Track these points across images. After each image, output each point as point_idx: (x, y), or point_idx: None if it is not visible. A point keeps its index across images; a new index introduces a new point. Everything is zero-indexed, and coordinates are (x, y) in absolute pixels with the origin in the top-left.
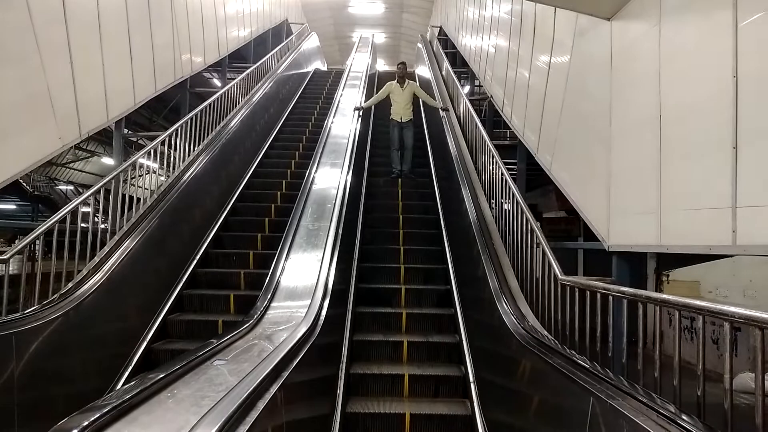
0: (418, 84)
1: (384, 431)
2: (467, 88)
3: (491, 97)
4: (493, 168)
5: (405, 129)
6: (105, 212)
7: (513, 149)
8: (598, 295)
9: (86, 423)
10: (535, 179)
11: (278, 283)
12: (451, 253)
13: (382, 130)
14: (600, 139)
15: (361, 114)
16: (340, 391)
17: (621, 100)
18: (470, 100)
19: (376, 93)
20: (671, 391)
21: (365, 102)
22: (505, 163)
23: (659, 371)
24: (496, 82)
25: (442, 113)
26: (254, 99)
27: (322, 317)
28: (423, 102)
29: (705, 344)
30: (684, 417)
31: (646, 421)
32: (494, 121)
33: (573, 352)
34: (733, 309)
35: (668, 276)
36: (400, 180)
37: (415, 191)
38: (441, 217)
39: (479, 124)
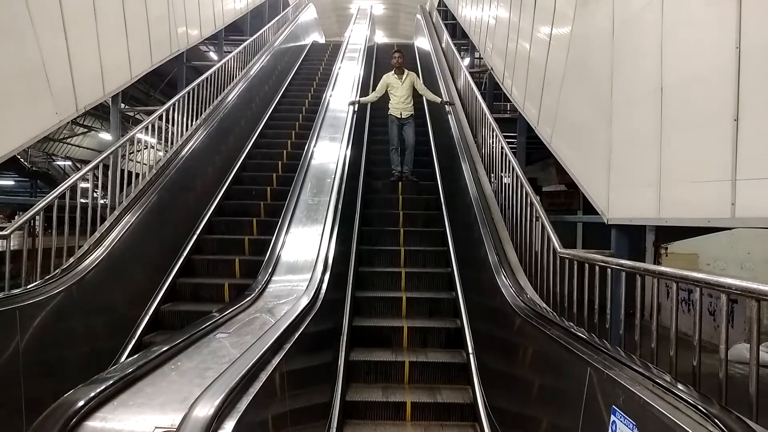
0: (419, 77)
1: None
2: (467, 61)
3: (491, 69)
4: (493, 142)
5: (405, 126)
6: (104, 188)
7: (513, 122)
8: (597, 267)
9: (92, 394)
10: (535, 152)
11: (279, 257)
12: (451, 230)
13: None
14: (601, 111)
15: (356, 109)
16: (342, 348)
17: (622, 73)
18: (470, 73)
19: (374, 70)
20: (668, 362)
21: (361, 97)
22: (505, 137)
23: (656, 342)
24: (497, 54)
25: (447, 108)
26: (251, 72)
27: (323, 290)
28: (423, 95)
29: (702, 316)
30: (679, 386)
31: (642, 390)
32: (494, 94)
33: (571, 324)
34: (730, 281)
35: (667, 249)
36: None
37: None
38: (440, 191)
39: (479, 97)
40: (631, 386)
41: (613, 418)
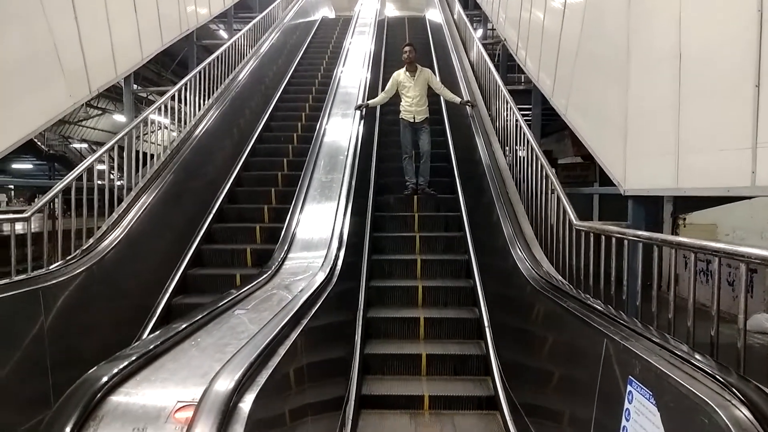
0: (435, 71)
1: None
2: (480, 32)
3: (505, 40)
4: (507, 114)
5: (420, 132)
6: (120, 169)
7: (527, 94)
8: (613, 239)
9: (116, 370)
10: (550, 124)
11: (294, 235)
12: (465, 202)
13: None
14: (617, 80)
15: (363, 114)
16: (359, 309)
17: (639, 40)
18: (483, 44)
19: (385, 44)
20: (686, 333)
21: (370, 99)
22: (519, 109)
23: (674, 313)
24: (510, 25)
25: (470, 111)
26: (262, 50)
27: (339, 267)
28: (441, 95)
29: (720, 286)
30: (697, 356)
31: (659, 361)
32: (508, 65)
33: (587, 295)
34: (749, 250)
35: (685, 220)
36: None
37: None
38: (454, 164)
39: (492, 69)
40: (648, 357)
41: (629, 388)
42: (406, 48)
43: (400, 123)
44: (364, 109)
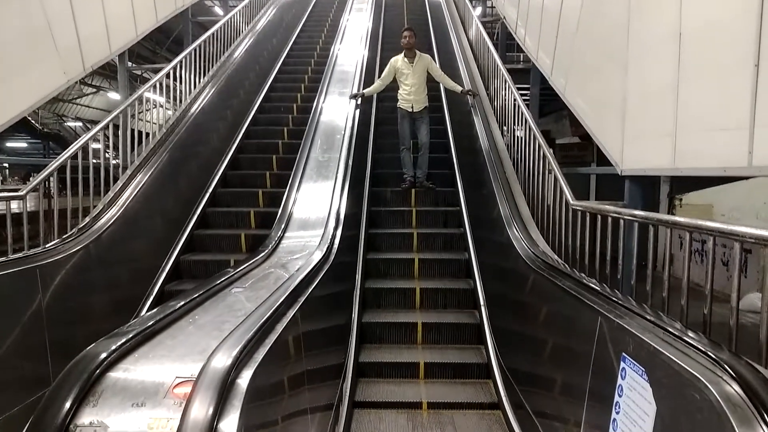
0: (435, 59)
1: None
2: (479, 10)
3: (504, 18)
4: (505, 93)
5: (418, 121)
6: (115, 148)
7: (526, 73)
8: (609, 218)
9: (114, 347)
10: (548, 104)
11: (290, 214)
12: (462, 182)
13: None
14: (616, 60)
15: (359, 103)
16: (356, 304)
17: (639, 20)
18: (482, 22)
19: (383, 21)
20: (681, 312)
21: (365, 88)
22: (518, 88)
23: (668, 292)
24: (509, 3)
25: (471, 101)
26: (258, 27)
27: (336, 245)
28: (441, 83)
29: (714, 265)
30: (690, 334)
31: (652, 338)
32: (507, 44)
33: (582, 275)
34: (743, 229)
35: (681, 200)
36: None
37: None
38: (452, 144)
39: (491, 48)
40: (641, 334)
41: (622, 365)
42: (405, 33)
43: (397, 112)
44: (360, 99)
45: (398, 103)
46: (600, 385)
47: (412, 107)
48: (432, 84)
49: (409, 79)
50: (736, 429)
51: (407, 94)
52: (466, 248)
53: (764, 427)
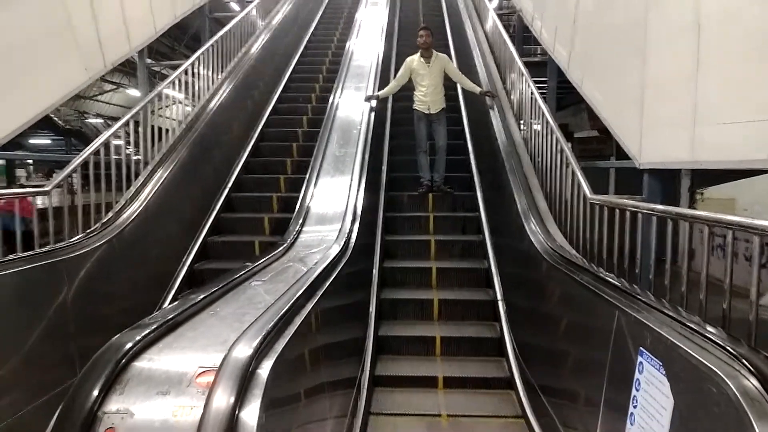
0: (452, 56)
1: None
2: (495, 2)
3: (520, 11)
4: (522, 87)
5: (435, 124)
6: (136, 144)
7: (543, 66)
8: (627, 213)
9: (138, 338)
10: (566, 97)
11: (308, 209)
12: (481, 185)
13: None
14: (634, 51)
15: (373, 106)
16: (373, 290)
17: (657, 10)
18: (498, 14)
19: (399, 14)
20: (699, 307)
21: (380, 90)
22: (535, 82)
23: (686, 287)
24: None
25: (490, 102)
26: (273, 23)
27: (353, 240)
28: (459, 84)
29: (733, 260)
30: (708, 328)
31: (670, 332)
32: (524, 37)
33: (600, 269)
34: (764, 223)
35: (702, 194)
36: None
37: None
38: (469, 146)
39: (507, 41)
40: (659, 328)
41: (640, 359)
42: (422, 32)
43: (413, 114)
44: (375, 101)
45: (414, 105)
46: (618, 380)
47: (429, 109)
48: (448, 83)
49: (426, 80)
50: (754, 423)
51: (423, 96)
52: (486, 256)
53: None
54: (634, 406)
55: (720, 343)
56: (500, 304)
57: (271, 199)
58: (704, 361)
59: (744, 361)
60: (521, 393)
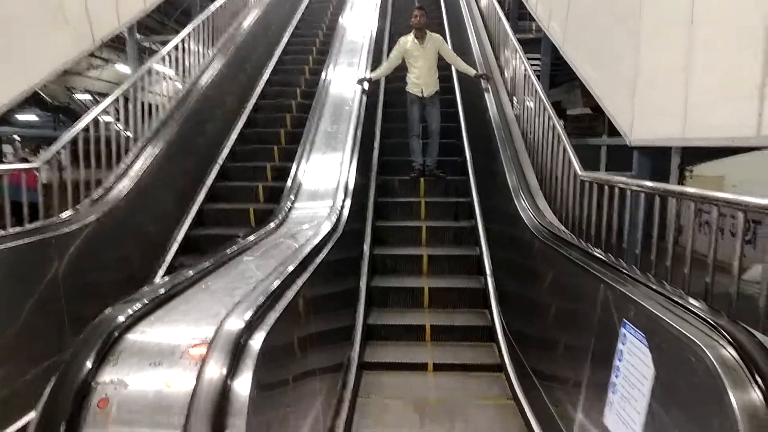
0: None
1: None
2: None
3: None
4: (516, 64)
5: (429, 107)
6: (126, 121)
7: (537, 43)
8: (617, 189)
9: (130, 311)
10: (559, 75)
11: (300, 185)
12: (471, 154)
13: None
14: (627, 28)
15: (365, 88)
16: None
17: None
18: None
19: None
20: (689, 283)
21: (372, 72)
22: (529, 58)
23: (671, 262)
24: None
25: (484, 85)
26: None
27: (345, 215)
28: (453, 66)
29: (717, 234)
30: (690, 300)
31: (653, 305)
32: (519, 13)
33: (588, 244)
34: (747, 199)
35: (692, 171)
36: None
37: None
38: (463, 130)
39: (502, 16)
40: (643, 301)
41: (623, 330)
42: (416, 11)
43: (406, 97)
44: (367, 84)
45: (407, 87)
46: (601, 351)
47: (422, 92)
48: (442, 63)
49: (419, 61)
50: (730, 391)
51: (416, 78)
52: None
53: (756, 388)
54: (616, 376)
55: (701, 315)
56: (492, 292)
57: (266, 168)
58: (685, 332)
59: (723, 332)
60: (512, 377)
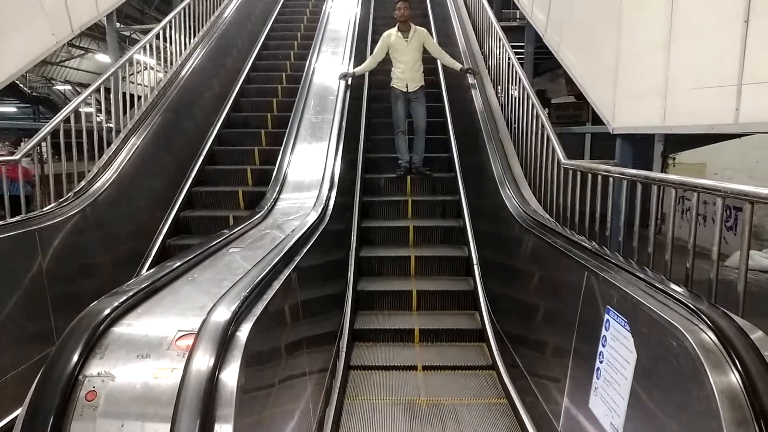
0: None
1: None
2: None
3: None
4: (500, 52)
5: (414, 102)
6: (107, 112)
7: (521, 31)
8: (599, 177)
9: (117, 303)
10: (543, 63)
11: (285, 176)
12: (458, 149)
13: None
14: (609, 17)
15: (349, 83)
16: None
17: None
18: None
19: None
20: (672, 269)
21: (355, 67)
22: (513, 47)
23: (653, 248)
24: None
25: (471, 80)
26: None
27: (331, 206)
28: (439, 60)
29: (697, 220)
30: (671, 286)
31: (634, 290)
32: (503, 1)
33: (572, 232)
34: (726, 185)
35: (674, 159)
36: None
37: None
38: (449, 124)
39: (486, 5)
40: (625, 287)
41: (606, 316)
42: (399, 3)
43: (391, 92)
44: (350, 79)
45: (392, 83)
46: (586, 337)
47: (407, 87)
48: (427, 56)
49: (404, 56)
50: (709, 373)
51: (401, 73)
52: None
53: (734, 371)
54: (600, 362)
55: (682, 300)
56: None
57: (253, 152)
58: (666, 317)
59: (703, 316)
60: (501, 370)
